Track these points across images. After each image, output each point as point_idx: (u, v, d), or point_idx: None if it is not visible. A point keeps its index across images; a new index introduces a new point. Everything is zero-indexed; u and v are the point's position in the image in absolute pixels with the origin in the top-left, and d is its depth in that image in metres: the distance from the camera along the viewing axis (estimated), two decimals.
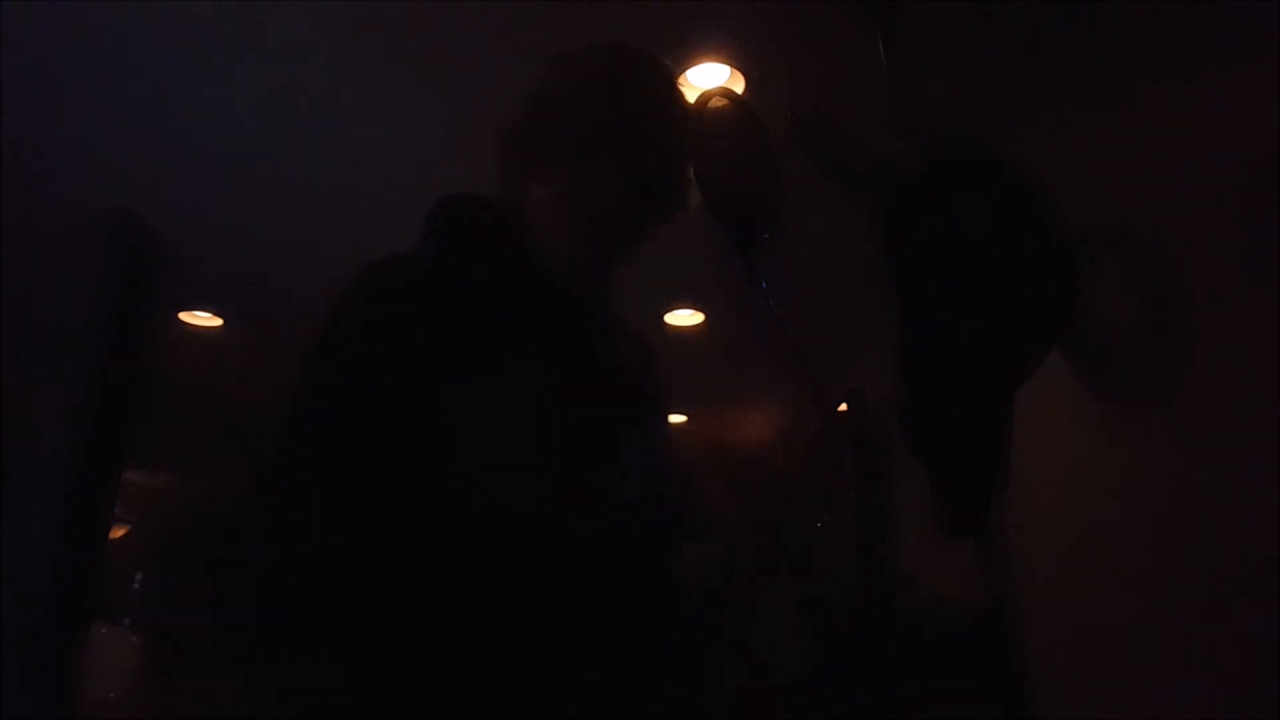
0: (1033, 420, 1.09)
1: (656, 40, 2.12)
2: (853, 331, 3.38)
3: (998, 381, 0.89)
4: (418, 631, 0.75)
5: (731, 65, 2.18)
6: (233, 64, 2.21)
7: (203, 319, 3.68)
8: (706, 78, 2.20)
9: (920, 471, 0.91)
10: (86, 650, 2.72)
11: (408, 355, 0.82)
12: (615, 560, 0.83)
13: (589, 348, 0.96)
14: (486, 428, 0.81)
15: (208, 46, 2.14)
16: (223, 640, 0.76)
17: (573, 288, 0.99)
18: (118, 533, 4.55)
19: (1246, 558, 1.42)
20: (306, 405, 0.82)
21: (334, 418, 0.79)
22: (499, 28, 2.06)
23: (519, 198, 1.02)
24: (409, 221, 0.99)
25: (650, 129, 1.01)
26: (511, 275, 0.92)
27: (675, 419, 1.05)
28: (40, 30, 2.08)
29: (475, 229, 0.97)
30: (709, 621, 0.91)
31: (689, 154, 1.02)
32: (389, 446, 0.78)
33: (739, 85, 2.21)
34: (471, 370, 0.83)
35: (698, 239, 1.31)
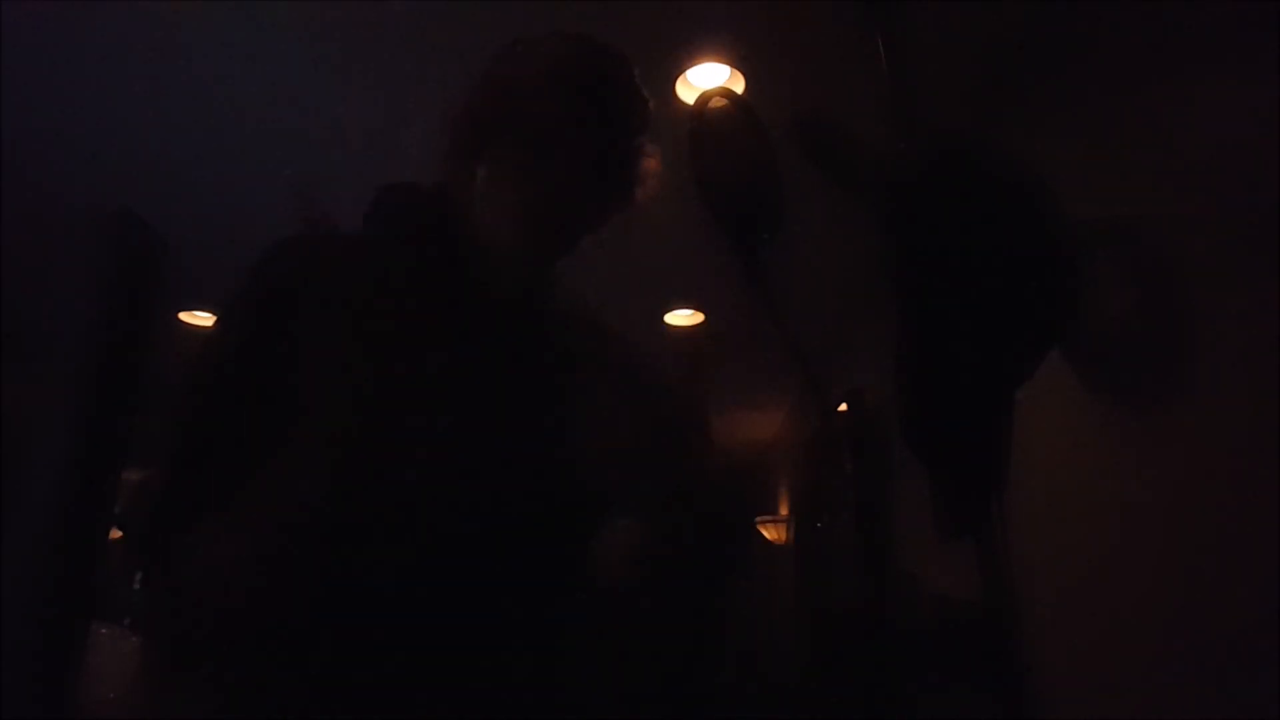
0: (1033, 420, 1.09)
1: (657, 40, 2.15)
2: (853, 331, 3.38)
3: (997, 382, 0.89)
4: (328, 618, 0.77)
5: (731, 65, 2.18)
6: (232, 64, 2.21)
7: (203, 319, 3.68)
8: (706, 78, 2.20)
9: (920, 471, 0.91)
10: (86, 650, 2.72)
11: (332, 332, 0.86)
12: (536, 544, 0.84)
13: (525, 337, 0.96)
14: (409, 409, 0.83)
15: (208, 46, 2.14)
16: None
17: (511, 278, 0.98)
18: (118, 533, 4.54)
19: (1246, 557, 1.42)
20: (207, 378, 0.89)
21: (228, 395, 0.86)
22: (500, 28, 2.05)
23: (464, 185, 1.02)
24: None
25: (606, 116, 1.00)
26: (445, 264, 0.95)
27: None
28: (40, 30, 2.08)
29: (412, 217, 1.01)
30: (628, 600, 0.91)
31: (647, 146, 1.03)
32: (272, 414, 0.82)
33: (739, 85, 2.21)
34: (394, 355, 0.86)
35: (698, 239, 1.31)
